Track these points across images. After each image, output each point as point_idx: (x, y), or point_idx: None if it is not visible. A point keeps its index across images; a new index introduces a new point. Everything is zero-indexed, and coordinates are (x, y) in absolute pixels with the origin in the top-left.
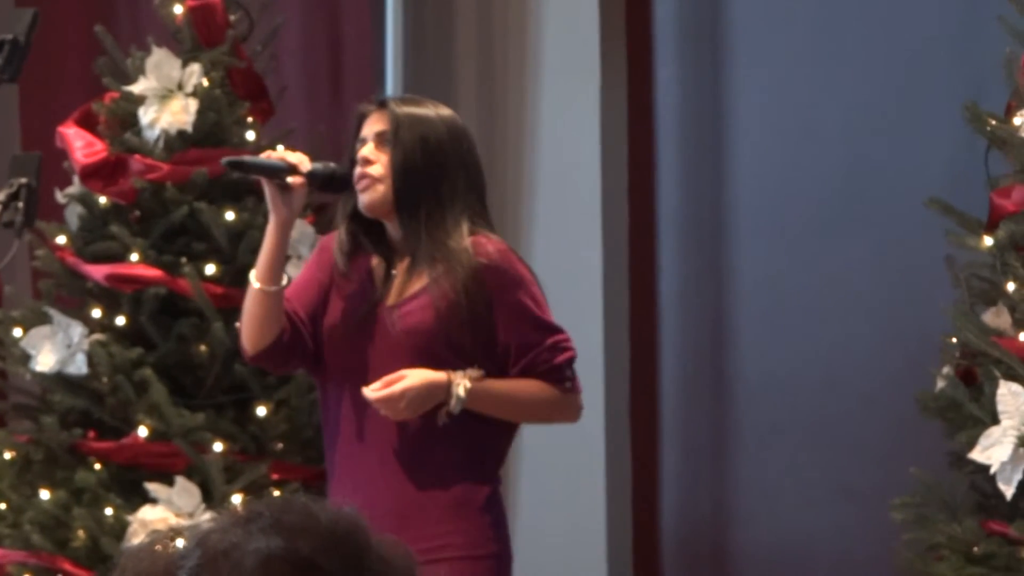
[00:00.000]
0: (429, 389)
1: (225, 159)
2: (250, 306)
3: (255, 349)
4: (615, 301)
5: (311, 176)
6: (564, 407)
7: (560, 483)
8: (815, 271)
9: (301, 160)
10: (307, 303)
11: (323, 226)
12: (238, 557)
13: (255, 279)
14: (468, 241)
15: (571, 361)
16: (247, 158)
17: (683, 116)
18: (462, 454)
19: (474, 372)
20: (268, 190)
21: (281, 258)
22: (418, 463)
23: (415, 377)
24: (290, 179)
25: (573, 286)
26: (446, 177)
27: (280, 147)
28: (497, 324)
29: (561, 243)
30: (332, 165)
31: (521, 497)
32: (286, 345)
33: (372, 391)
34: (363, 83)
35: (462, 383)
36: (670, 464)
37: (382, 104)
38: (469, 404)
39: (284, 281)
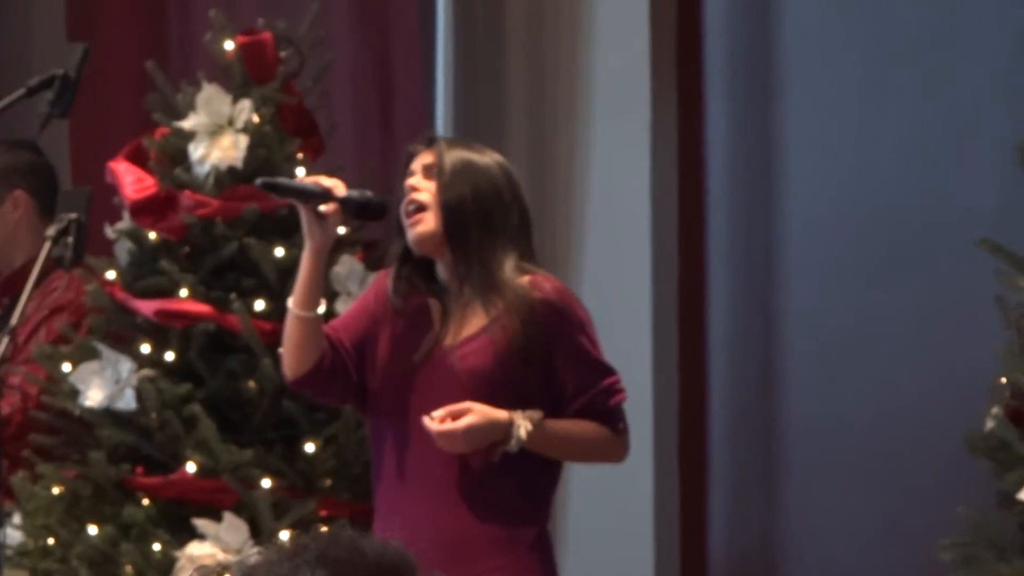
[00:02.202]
0: (491, 427)
1: (259, 180)
2: (288, 331)
3: (294, 374)
4: (664, 339)
5: (346, 202)
6: (615, 448)
7: (608, 523)
8: (865, 310)
9: (336, 185)
10: (354, 333)
11: (373, 263)
12: None
13: (291, 304)
14: (526, 279)
15: (623, 403)
16: (281, 180)
17: (734, 152)
18: (512, 491)
19: (534, 413)
20: (303, 215)
21: (317, 284)
22: (468, 499)
23: (479, 414)
24: (324, 207)
25: (622, 323)
26: (495, 213)
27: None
28: (555, 364)
29: (611, 281)
30: (368, 193)
31: (569, 536)
32: (326, 372)
33: (435, 424)
34: (413, 120)
35: (523, 424)
36: (718, 503)
37: (431, 142)
38: (528, 444)
39: (322, 308)
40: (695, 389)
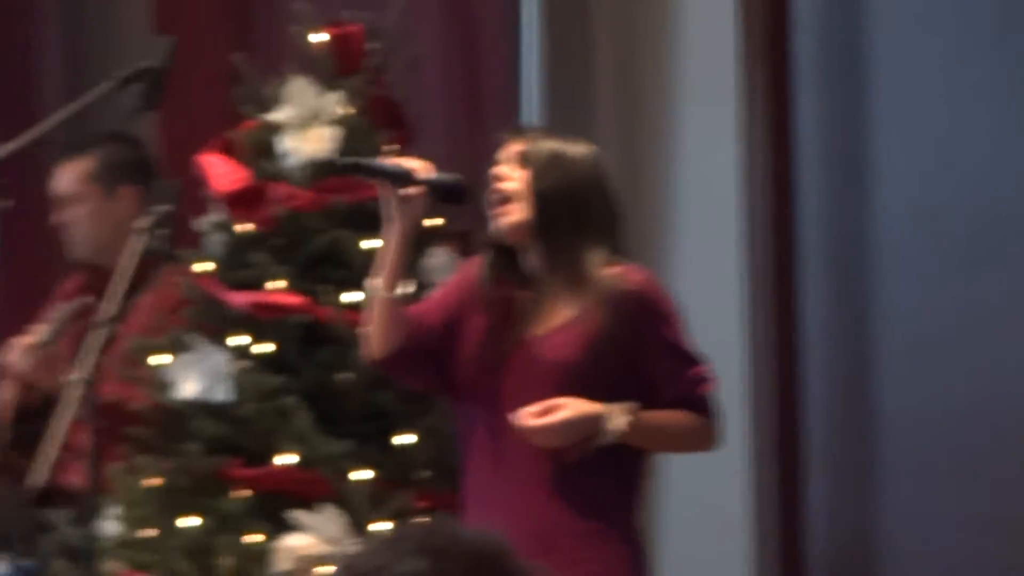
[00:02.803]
0: (586, 421)
1: (340, 160)
2: (371, 313)
3: (379, 355)
4: (758, 332)
5: (428, 183)
6: (707, 436)
7: (703, 518)
8: (958, 303)
9: (419, 167)
10: (440, 316)
11: (464, 254)
12: None
13: (374, 285)
14: (614, 271)
15: (714, 390)
16: (363, 160)
17: (822, 144)
18: (605, 483)
19: (628, 406)
20: (384, 195)
21: (399, 265)
22: (560, 491)
23: (574, 408)
24: (407, 189)
25: (714, 318)
26: (587, 203)
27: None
28: (644, 354)
29: (701, 274)
30: (454, 176)
31: (664, 531)
32: (411, 353)
33: (528, 420)
34: (502, 111)
35: (618, 417)
36: (814, 498)
37: (520, 131)
38: (621, 437)
39: (406, 289)
40: (789, 384)
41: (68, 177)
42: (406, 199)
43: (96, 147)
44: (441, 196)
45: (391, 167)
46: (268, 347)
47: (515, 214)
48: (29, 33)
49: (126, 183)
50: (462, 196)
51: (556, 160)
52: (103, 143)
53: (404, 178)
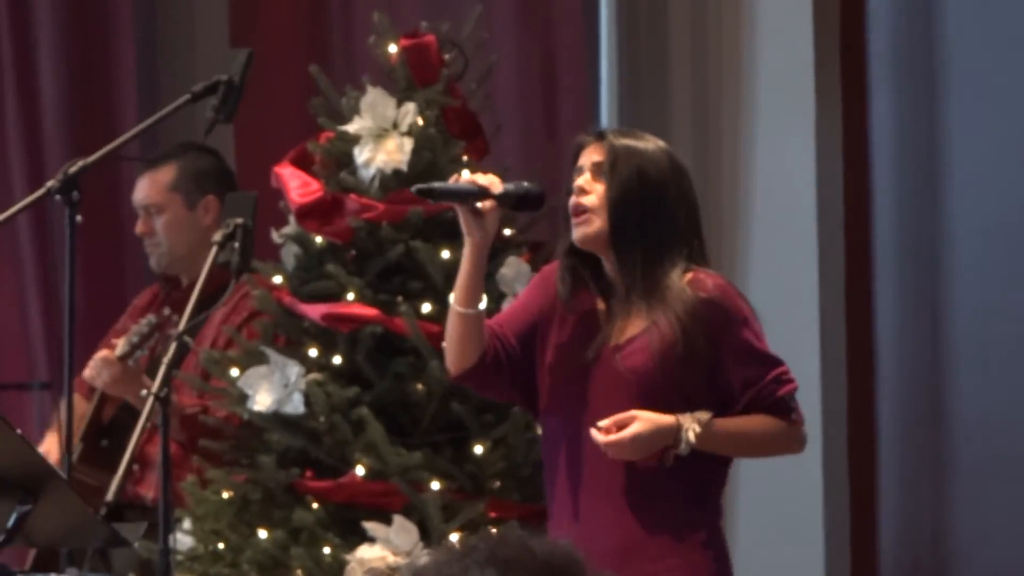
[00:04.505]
0: (659, 433)
1: (415, 187)
2: (450, 328)
3: (457, 369)
4: (832, 334)
5: (503, 197)
6: (790, 439)
7: (779, 522)
8: None
9: (492, 181)
10: (519, 328)
11: (539, 264)
12: None
13: (453, 301)
14: (687, 277)
15: (794, 392)
16: (436, 185)
17: (899, 147)
18: (685, 489)
19: (702, 415)
20: (461, 214)
21: (478, 280)
22: (641, 499)
23: (645, 422)
24: (481, 204)
25: (790, 319)
26: (664, 212)
27: (465, 172)
28: (720, 360)
29: (777, 277)
30: (525, 184)
31: (740, 535)
32: (490, 367)
33: (601, 435)
34: (578, 120)
35: (691, 427)
36: (889, 500)
37: (600, 136)
38: (699, 445)
39: (483, 304)
40: (863, 387)
41: (150, 186)
42: (480, 215)
43: (177, 157)
44: (517, 205)
45: (465, 186)
46: (340, 359)
47: (593, 225)
48: (105, 48)
49: (207, 193)
50: (536, 203)
51: (635, 173)
52: (184, 153)
53: (479, 195)
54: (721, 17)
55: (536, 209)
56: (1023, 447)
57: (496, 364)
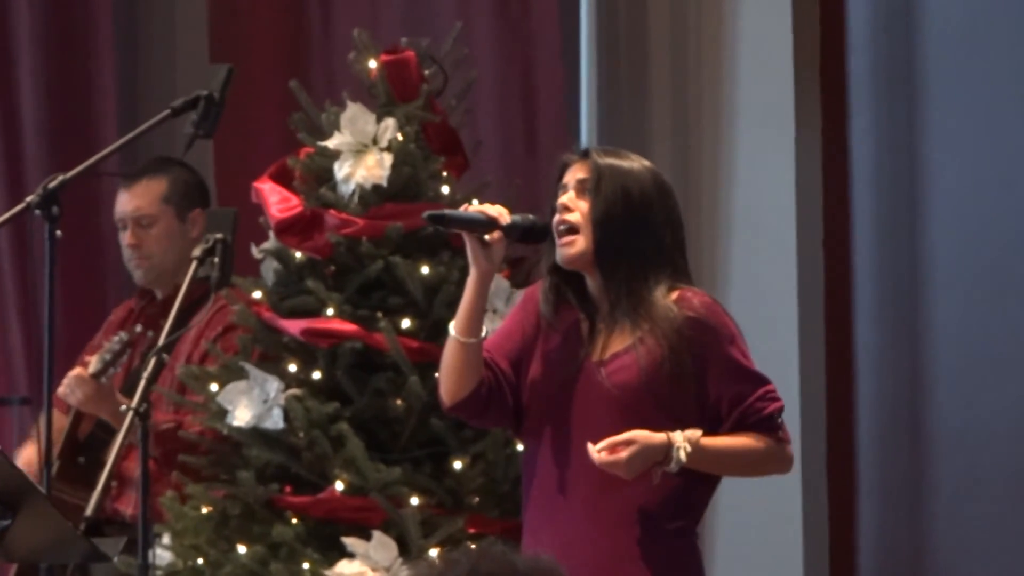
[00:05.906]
0: (651, 451)
1: (427, 213)
2: (448, 357)
3: (453, 400)
4: (811, 351)
5: (510, 229)
6: (778, 459)
7: (758, 537)
8: (1012, 323)
9: (501, 213)
10: (509, 353)
11: (519, 280)
12: None
13: (454, 331)
14: (673, 296)
15: (781, 411)
16: (448, 212)
17: (878, 165)
18: (666, 506)
19: (693, 433)
20: (469, 243)
21: (481, 310)
22: (621, 515)
23: (640, 443)
24: (489, 235)
25: (769, 337)
26: (649, 230)
27: (475, 201)
28: (707, 378)
29: (757, 293)
30: (531, 217)
31: (719, 551)
32: (484, 397)
33: (599, 456)
34: (558, 137)
35: (683, 446)
36: (867, 517)
37: (585, 154)
38: (689, 463)
39: (483, 333)
40: (842, 404)
41: (143, 197)
42: (487, 245)
43: (165, 171)
44: (520, 237)
45: (475, 216)
46: (319, 374)
47: (577, 246)
48: (85, 63)
49: (195, 207)
50: (540, 236)
51: (618, 192)
52: (170, 167)
53: (488, 226)
54: (701, 34)
55: (540, 242)
56: (1001, 465)
57: (490, 394)
